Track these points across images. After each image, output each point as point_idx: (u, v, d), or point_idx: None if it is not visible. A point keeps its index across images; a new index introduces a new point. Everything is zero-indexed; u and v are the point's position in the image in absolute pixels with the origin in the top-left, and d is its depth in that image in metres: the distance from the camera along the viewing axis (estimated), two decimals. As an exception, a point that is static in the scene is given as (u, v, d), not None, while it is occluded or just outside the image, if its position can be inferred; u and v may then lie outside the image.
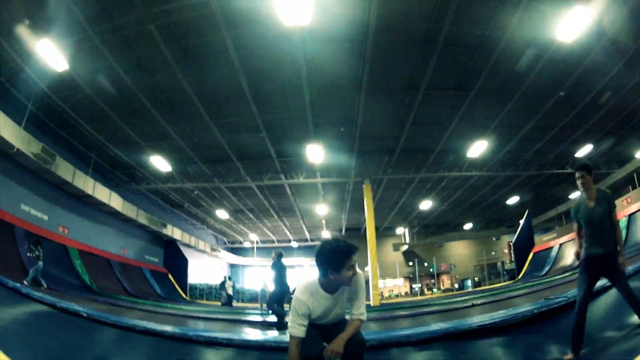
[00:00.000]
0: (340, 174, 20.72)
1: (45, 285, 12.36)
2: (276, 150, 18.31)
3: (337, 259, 2.64)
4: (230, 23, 10.72)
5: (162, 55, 11.74)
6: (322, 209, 27.33)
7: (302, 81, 13.07)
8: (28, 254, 12.78)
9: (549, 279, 16.87)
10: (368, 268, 19.88)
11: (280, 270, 9.17)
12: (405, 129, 16.30)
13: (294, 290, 3.58)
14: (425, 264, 36.58)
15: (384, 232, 36.46)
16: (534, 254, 26.17)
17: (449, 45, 11.89)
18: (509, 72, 13.45)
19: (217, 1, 9.87)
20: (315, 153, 17.29)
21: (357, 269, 2.80)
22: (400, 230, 37.28)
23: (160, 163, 18.61)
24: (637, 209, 16.33)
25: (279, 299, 9.18)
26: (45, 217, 15.93)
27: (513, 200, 28.22)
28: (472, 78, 13.52)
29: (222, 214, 29.56)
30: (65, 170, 16.09)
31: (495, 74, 13.31)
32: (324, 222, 32.77)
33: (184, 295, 26.96)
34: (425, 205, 28.08)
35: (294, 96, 14.17)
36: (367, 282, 24.93)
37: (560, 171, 21.33)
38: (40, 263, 12.50)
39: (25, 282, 11.46)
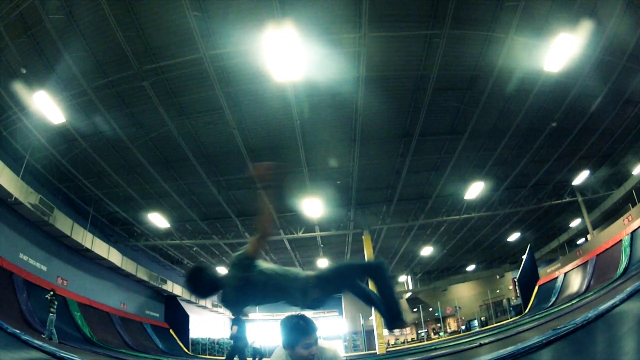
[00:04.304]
0: (339, 227, 20.23)
1: (56, 340, 11.59)
2: (274, 205, 17.82)
3: (292, 335, 2.55)
4: (223, 80, 10.74)
5: (157, 112, 11.69)
6: (322, 262, 26.62)
7: (297, 136, 12.90)
8: (51, 310, 12.06)
9: (556, 309, 16.23)
10: (372, 318, 19.27)
11: (240, 325, 9.51)
12: (402, 177, 15.99)
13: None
14: (430, 309, 35.55)
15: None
16: (539, 286, 25.45)
17: (439, 90, 11.92)
18: (499, 111, 13.48)
19: (210, 59, 9.88)
20: (313, 207, 16.87)
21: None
22: (402, 278, 36.42)
23: (158, 220, 18.24)
24: (638, 226, 15.93)
25: (239, 352, 9.51)
26: (44, 268, 15.39)
27: (514, 236, 27.67)
28: (464, 121, 13.45)
29: (222, 270, 28.59)
30: (63, 223, 15.69)
31: (486, 114, 13.30)
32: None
33: (186, 350, 25.83)
34: (427, 251, 27.45)
35: (289, 151, 13.96)
36: (371, 331, 24.73)
37: (559, 201, 21.00)
38: (52, 315, 11.85)
39: (43, 336, 11.28)
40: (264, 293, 2.91)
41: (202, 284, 2.94)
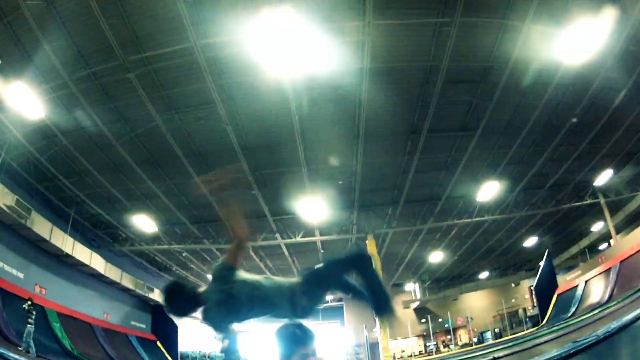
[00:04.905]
0: (341, 230, 20.24)
1: (34, 353, 11.68)
2: (270, 208, 17.88)
3: (288, 345, 2.53)
4: (215, 72, 10.75)
5: (144, 106, 11.67)
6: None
7: (295, 132, 12.90)
8: (29, 320, 12.06)
9: (576, 320, 16.26)
10: (376, 329, 19.48)
11: (231, 338, 9.56)
12: (409, 177, 16.01)
13: None
14: (440, 320, 35.59)
15: (392, 289, 35.59)
16: (558, 295, 25.48)
17: (450, 83, 11.93)
18: (515, 105, 13.52)
19: (201, 49, 9.87)
20: (313, 210, 16.91)
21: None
22: (409, 286, 36.48)
23: (145, 223, 18.26)
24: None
25: None
26: (21, 275, 15.32)
27: (531, 241, 27.73)
28: (476, 116, 13.47)
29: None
30: (41, 226, 15.65)
31: (500, 108, 13.30)
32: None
33: (174, 364, 25.98)
34: (436, 257, 27.47)
35: (287, 149, 14.04)
36: (376, 344, 24.63)
37: (580, 203, 21.03)
38: (30, 327, 11.86)
39: (20, 348, 11.37)
40: (250, 306, 2.91)
41: (181, 301, 2.94)
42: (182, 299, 2.93)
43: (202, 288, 2.99)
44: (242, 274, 2.94)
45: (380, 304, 3.22)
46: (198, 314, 2.97)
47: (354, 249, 3.06)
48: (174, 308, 2.98)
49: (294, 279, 3.09)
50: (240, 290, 2.84)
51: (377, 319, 3.41)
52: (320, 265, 3.26)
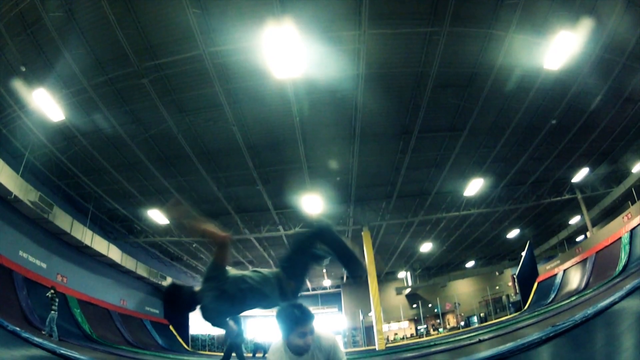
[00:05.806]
0: (339, 223, 20.22)
1: (57, 337, 11.61)
2: (273, 202, 17.87)
3: (288, 324, 2.58)
4: (223, 77, 10.76)
5: (157, 109, 11.69)
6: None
7: (296, 133, 12.89)
8: (52, 307, 12.07)
9: (555, 306, 16.29)
10: (372, 314, 19.41)
11: (236, 321, 9.44)
12: (401, 173, 16.03)
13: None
14: (430, 305, 35.66)
15: (385, 277, 35.64)
16: (539, 283, 25.53)
17: (439, 88, 11.94)
18: (499, 108, 13.51)
19: (210, 56, 9.89)
20: (312, 204, 16.90)
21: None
22: (402, 274, 36.48)
23: (158, 216, 18.22)
24: (638, 224, 15.96)
25: (236, 349, 9.53)
26: (44, 266, 15.46)
27: (513, 233, 27.77)
28: (463, 118, 13.47)
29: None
30: (63, 220, 15.77)
31: (486, 111, 13.32)
32: (324, 271, 31.89)
33: (185, 346, 26.02)
34: (426, 247, 27.49)
35: (289, 148, 14.01)
36: (371, 327, 24.80)
37: (558, 199, 21.07)
38: (54, 313, 11.86)
39: (43, 332, 11.41)
40: (242, 299, 2.93)
41: (180, 302, 2.94)
42: (181, 300, 2.94)
43: (198, 288, 2.98)
44: (232, 271, 2.97)
45: (352, 266, 3.37)
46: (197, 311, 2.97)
47: (313, 224, 3.14)
48: (174, 308, 2.97)
49: (272, 270, 3.14)
50: (231, 286, 2.87)
51: (350, 277, 3.52)
52: (290, 249, 3.31)
